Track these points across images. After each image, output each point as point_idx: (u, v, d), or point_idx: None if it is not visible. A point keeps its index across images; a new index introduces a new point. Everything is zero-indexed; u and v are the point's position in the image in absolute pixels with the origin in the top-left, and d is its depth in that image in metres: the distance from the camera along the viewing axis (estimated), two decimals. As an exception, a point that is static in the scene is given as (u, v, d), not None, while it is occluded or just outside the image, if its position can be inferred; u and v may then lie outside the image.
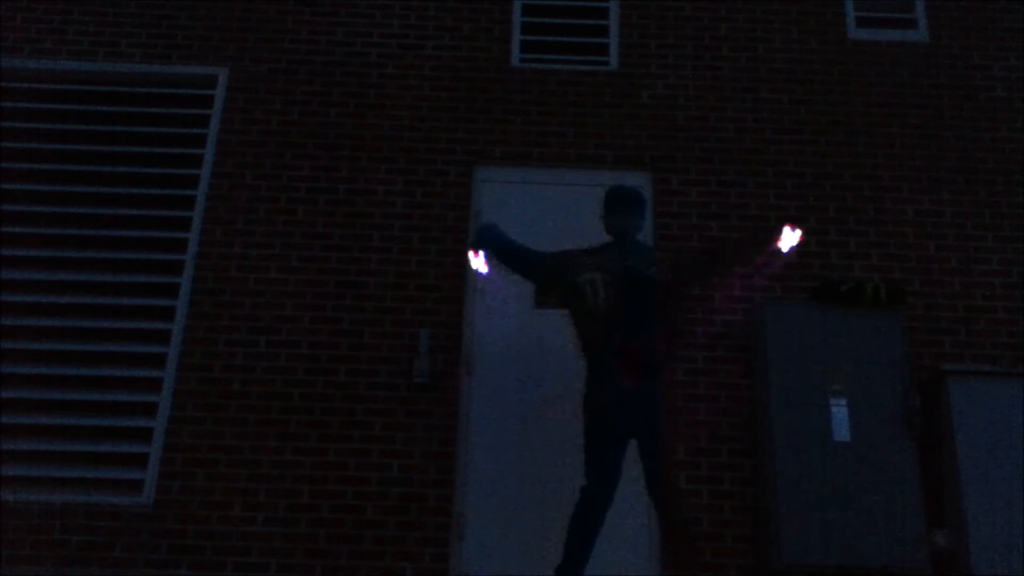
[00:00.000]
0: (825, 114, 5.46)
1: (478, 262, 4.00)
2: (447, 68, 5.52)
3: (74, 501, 4.62)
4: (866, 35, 5.66)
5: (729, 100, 5.48)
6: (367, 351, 4.92)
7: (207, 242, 5.12)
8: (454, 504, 4.70)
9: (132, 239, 5.18)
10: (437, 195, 5.24)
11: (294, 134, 5.36)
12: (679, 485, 3.73)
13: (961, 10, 5.74)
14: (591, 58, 5.58)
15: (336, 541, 4.59)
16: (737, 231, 5.17)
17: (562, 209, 5.25)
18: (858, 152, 5.38)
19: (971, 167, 5.36)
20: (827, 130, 5.42)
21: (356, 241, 5.14)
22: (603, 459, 3.75)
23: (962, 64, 5.61)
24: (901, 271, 5.13)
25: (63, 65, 5.48)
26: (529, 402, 4.88)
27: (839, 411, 4.46)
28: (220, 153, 5.31)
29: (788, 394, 4.49)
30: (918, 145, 5.41)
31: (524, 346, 4.98)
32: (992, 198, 5.30)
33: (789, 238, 3.60)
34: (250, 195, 5.23)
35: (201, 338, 4.93)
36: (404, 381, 4.87)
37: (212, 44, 5.55)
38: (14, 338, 4.95)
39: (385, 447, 4.75)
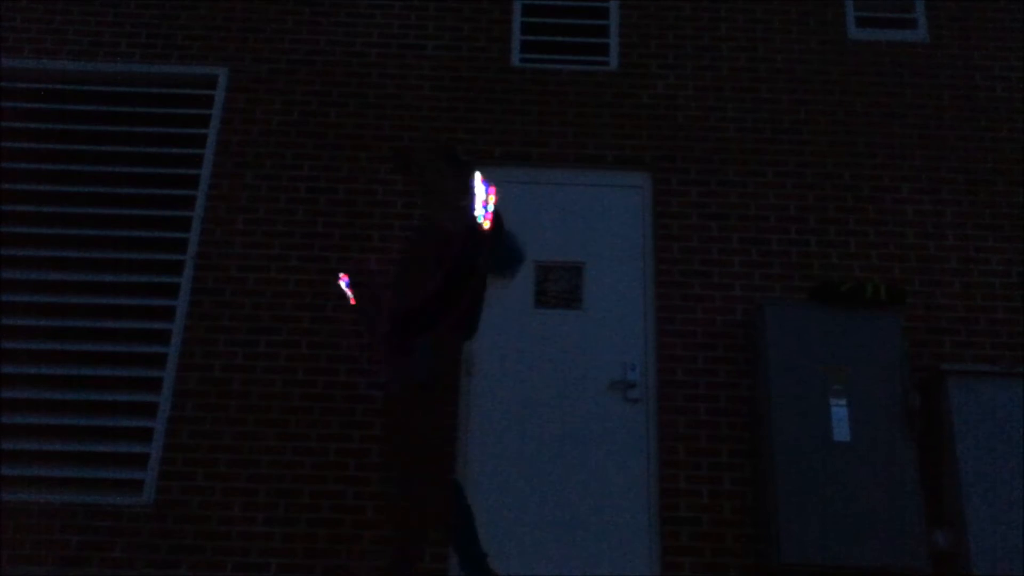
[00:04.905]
0: (825, 114, 5.46)
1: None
2: (447, 68, 5.52)
3: (74, 501, 4.62)
4: (866, 35, 5.66)
5: (729, 100, 5.48)
6: (367, 351, 4.92)
7: (207, 242, 5.12)
8: (454, 504, 4.70)
9: (132, 239, 5.18)
10: (437, 195, 5.23)
11: (294, 134, 5.36)
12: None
13: (961, 10, 5.74)
14: (591, 58, 5.58)
15: (336, 541, 4.59)
16: (737, 231, 5.17)
17: (562, 209, 5.25)
18: (858, 152, 5.38)
19: (971, 167, 5.36)
20: (827, 130, 5.42)
21: (356, 241, 5.14)
22: None
23: (962, 64, 5.61)
24: (901, 271, 5.13)
25: (63, 65, 5.48)
26: (529, 402, 4.88)
27: (839, 411, 4.46)
28: (220, 153, 5.31)
29: (788, 394, 4.49)
30: (918, 145, 5.41)
31: (524, 346, 4.98)
32: (992, 198, 5.30)
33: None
34: (250, 195, 5.23)
35: (201, 338, 4.93)
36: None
37: (212, 44, 5.55)
38: (14, 338, 4.95)
39: (385, 447, 4.74)
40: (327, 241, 5.13)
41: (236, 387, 4.84)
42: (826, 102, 5.49)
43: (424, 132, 5.37)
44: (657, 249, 5.14)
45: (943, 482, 4.49)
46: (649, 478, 4.77)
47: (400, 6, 5.67)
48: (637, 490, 4.74)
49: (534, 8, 5.74)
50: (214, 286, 5.03)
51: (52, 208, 5.17)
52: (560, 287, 5.11)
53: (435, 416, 3.23)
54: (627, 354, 4.97)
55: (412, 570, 3.16)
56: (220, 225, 5.16)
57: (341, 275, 3.63)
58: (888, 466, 4.37)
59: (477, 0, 5.70)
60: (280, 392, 4.84)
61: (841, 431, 4.42)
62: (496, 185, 5.30)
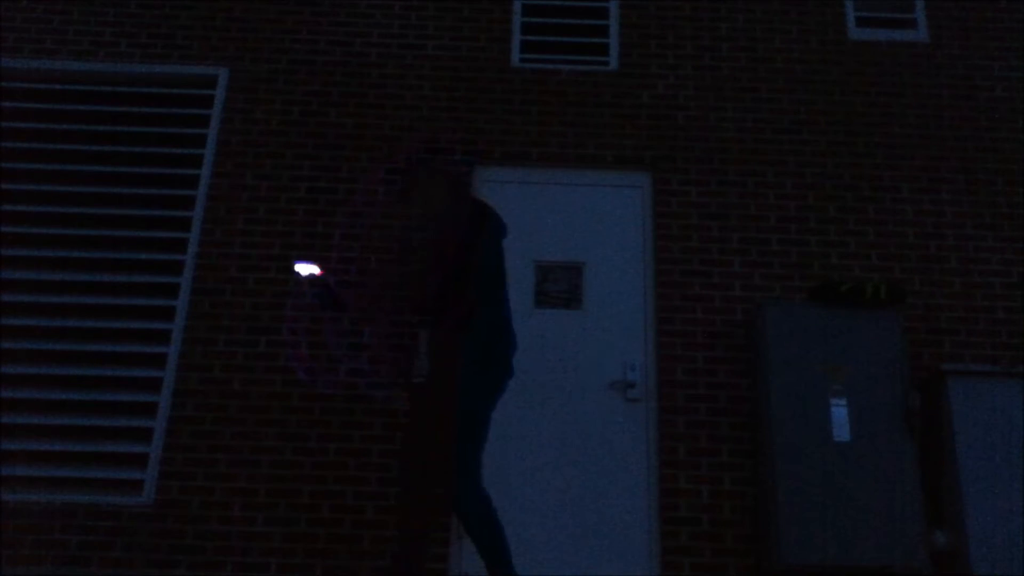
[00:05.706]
0: (825, 114, 5.46)
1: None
2: (447, 68, 5.52)
3: (74, 501, 4.62)
4: (866, 35, 5.66)
5: (729, 100, 5.48)
6: (367, 351, 4.92)
7: (207, 242, 5.12)
8: (454, 504, 4.70)
9: (132, 239, 5.18)
10: (437, 195, 5.23)
11: (294, 134, 5.36)
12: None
13: (961, 10, 5.74)
14: (591, 58, 5.58)
15: (336, 541, 4.59)
16: (737, 231, 5.17)
17: (562, 209, 5.25)
18: (858, 152, 5.38)
19: (971, 167, 5.36)
20: (827, 130, 5.42)
21: (356, 241, 5.14)
22: None
23: (962, 64, 5.61)
24: (901, 271, 5.13)
25: (63, 65, 5.48)
26: (529, 402, 4.88)
27: (839, 411, 4.46)
28: (220, 153, 5.31)
29: (788, 394, 4.49)
30: (918, 145, 5.41)
31: (524, 346, 4.98)
32: (992, 198, 5.30)
33: None
34: (250, 195, 5.23)
35: (201, 338, 4.93)
36: (404, 381, 4.86)
37: (212, 44, 5.55)
38: (14, 338, 4.95)
39: (385, 447, 4.75)
40: (327, 241, 5.13)
41: (236, 387, 4.84)
42: (826, 102, 5.49)
43: (424, 132, 5.37)
44: (657, 249, 5.14)
45: (943, 482, 4.49)
46: (649, 478, 4.77)
47: (400, 6, 5.67)
48: (637, 490, 4.74)
49: (534, 8, 5.74)
50: (214, 286, 5.03)
51: (52, 208, 5.17)
52: (560, 287, 5.12)
53: (436, 416, 3.23)
54: (627, 354, 4.97)
55: (413, 570, 3.16)
56: (220, 225, 5.16)
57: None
58: (888, 466, 4.37)
59: (477, 0, 5.70)
60: (280, 392, 4.84)
61: (841, 431, 4.42)
62: (496, 185, 5.31)
